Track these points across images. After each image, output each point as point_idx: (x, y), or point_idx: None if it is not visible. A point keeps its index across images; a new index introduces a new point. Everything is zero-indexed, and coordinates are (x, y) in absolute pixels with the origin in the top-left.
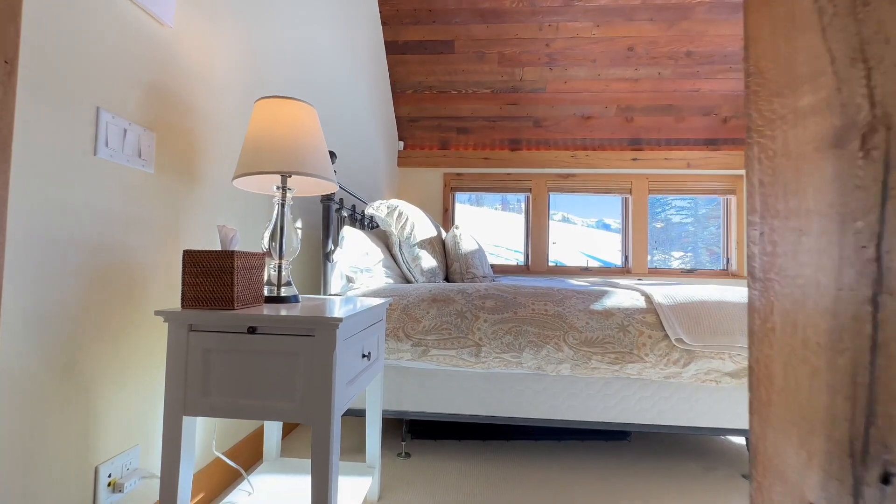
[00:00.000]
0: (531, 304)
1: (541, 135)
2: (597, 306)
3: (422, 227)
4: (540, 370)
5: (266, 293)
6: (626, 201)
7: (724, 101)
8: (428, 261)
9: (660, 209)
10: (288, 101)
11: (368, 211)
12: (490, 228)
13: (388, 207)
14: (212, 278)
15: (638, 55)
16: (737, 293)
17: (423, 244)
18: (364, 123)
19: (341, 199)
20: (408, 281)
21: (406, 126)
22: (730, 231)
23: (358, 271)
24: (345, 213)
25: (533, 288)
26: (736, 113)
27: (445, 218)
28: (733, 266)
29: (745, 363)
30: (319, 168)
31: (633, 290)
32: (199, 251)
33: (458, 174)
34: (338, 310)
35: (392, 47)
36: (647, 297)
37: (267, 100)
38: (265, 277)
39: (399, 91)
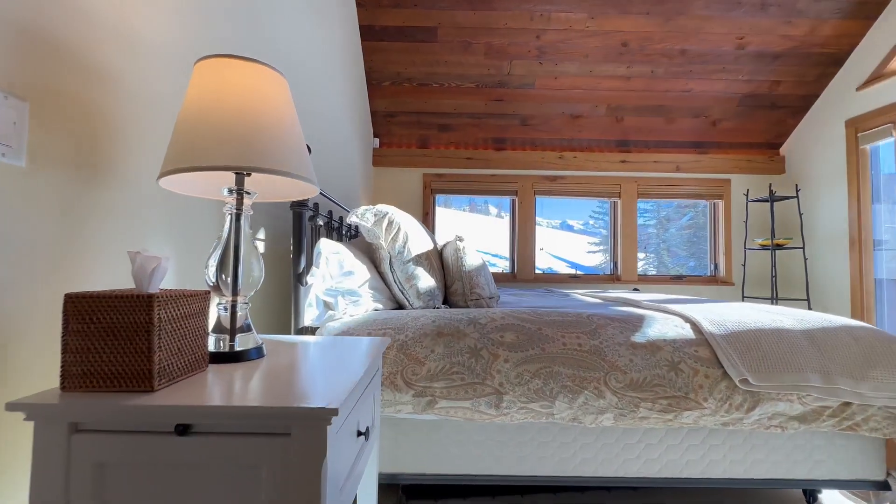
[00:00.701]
0: (560, 336)
1: (527, 134)
2: (638, 338)
3: (416, 239)
4: (576, 421)
5: (212, 346)
6: (614, 205)
7: (716, 102)
8: (426, 281)
9: (599, 217)
10: (246, 64)
11: (351, 220)
12: (464, 231)
13: (375, 215)
14: (115, 340)
15: (632, 51)
16: (788, 316)
17: (420, 260)
18: (336, 115)
19: (316, 205)
20: (401, 306)
21: (382, 121)
22: (717, 237)
23: (339, 295)
24: (320, 222)
25: (559, 315)
26: (725, 116)
27: (426, 222)
28: (721, 272)
29: (815, 405)
30: (293, 163)
31: (669, 314)
32: (91, 295)
33: (439, 175)
34: (325, 382)
35: (368, 32)
36: (694, 325)
37: (213, 60)
38: (210, 324)
39: (375, 82)
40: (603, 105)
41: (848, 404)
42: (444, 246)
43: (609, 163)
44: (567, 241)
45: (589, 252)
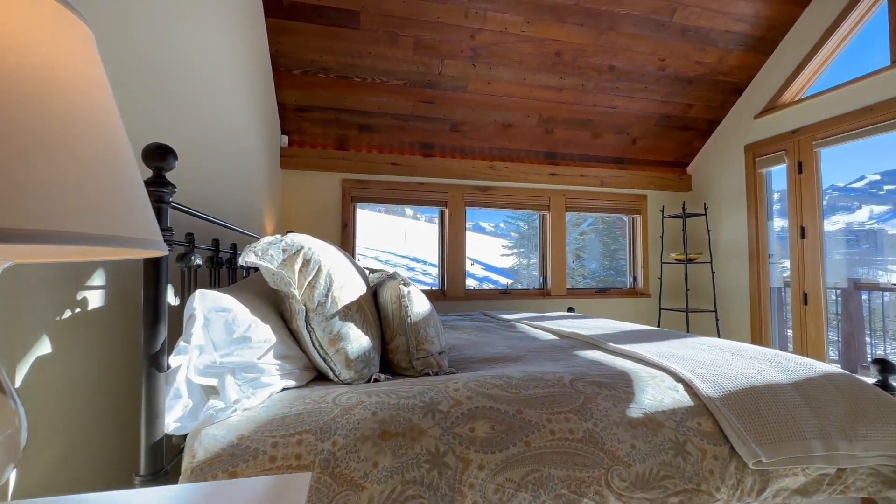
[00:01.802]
0: (546, 421)
1: (457, 140)
2: (634, 411)
3: (344, 280)
4: None
5: None
6: (543, 218)
7: (636, 120)
8: (358, 341)
9: (511, 222)
10: None
11: (247, 260)
12: (382, 234)
13: (284, 251)
14: None
15: (565, 62)
16: (766, 362)
17: (349, 312)
18: (230, 105)
19: (190, 237)
20: (324, 377)
21: (292, 116)
22: (636, 250)
23: (227, 374)
24: (197, 262)
25: (536, 381)
26: (643, 134)
27: (345, 235)
28: (640, 284)
29: (816, 474)
30: (99, 211)
31: (653, 367)
32: None
33: (361, 181)
34: None
35: (273, 8)
36: (688, 386)
37: None
38: None
39: (284, 69)
40: (535, 115)
41: (844, 468)
42: (380, 286)
43: (539, 175)
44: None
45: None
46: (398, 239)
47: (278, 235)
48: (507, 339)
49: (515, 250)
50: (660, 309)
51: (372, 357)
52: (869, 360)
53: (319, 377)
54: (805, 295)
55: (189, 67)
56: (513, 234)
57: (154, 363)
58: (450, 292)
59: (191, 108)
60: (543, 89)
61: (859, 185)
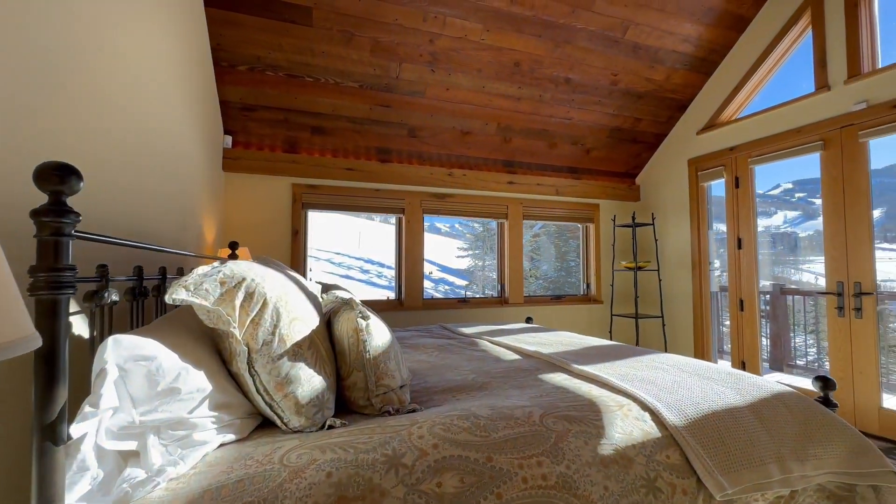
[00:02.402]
0: (518, 467)
1: (415, 146)
2: (605, 447)
3: (294, 313)
4: None
5: None
6: (501, 226)
7: (590, 132)
8: (311, 384)
9: (466, 223)
10: None
11: (177, 297)
12: (335, 236)
13: (222, 284)
14: None
15: (523, 72)
16: (720, 382)
17: (300, 350)
18: (162, 101)
19: (104, 269)
20: (269, 422)
21: (237, 115)
22: (589, 258)
23: (151, 434)
24: (113, 298)
25: (506, 419)
26: (597, 145)
27: (296, 243)
28: (592, 291)
29: (773, 497)
30: None
31: (619, 394)
32: None
33: (313, 186)
34: None
35: None
36: (655, 415)
37: None
38: None
39: (226, 64)
40: (493, 123)
41: (796, 489)
42: (334, 315)
43: (497, 183)
44: (436, 245)
45: (458, 257)
46: (353, 239)
47: (216, 264)
48: (470, 361)
49: (471, 252)
50: (611, 315)
51: (326, 399)
52: (794, 358)
53: (265, 423)
54: (741, 301)
55: (109, 57)
56: (468, 235)
57: (50, 434)
58: (407, 302)
59: (110, 107)
60: (502, 98)
61: (775, 192)
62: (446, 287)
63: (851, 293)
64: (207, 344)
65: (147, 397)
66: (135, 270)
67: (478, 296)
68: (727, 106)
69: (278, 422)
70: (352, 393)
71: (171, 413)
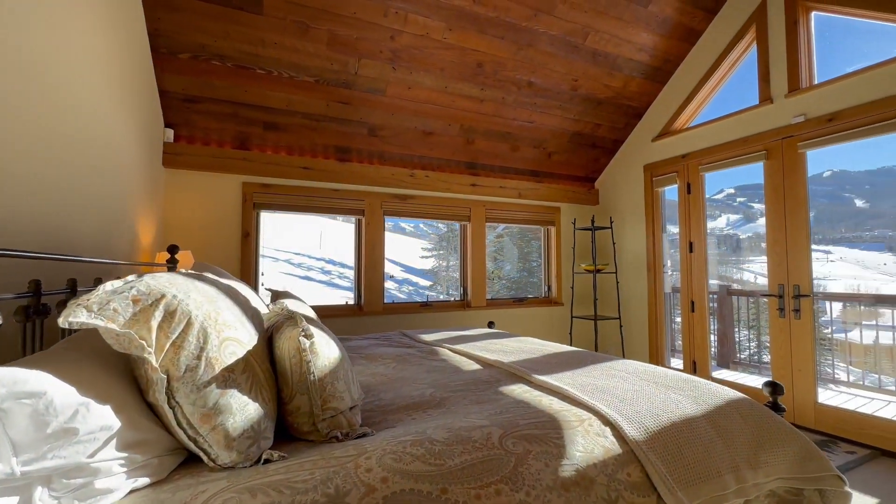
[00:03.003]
0: (475, 495)
1: (376, 146)
2: (566, 468)
3: (228, 332)
4: None
5: None
6: (464, 229)
7: (552, 136)
8: (245, 412)
9: (431, 223)
10: None
11: (76, 320)
12: (287, 235)
13: (135, 302)
14: None
15: (486, 74)
16: (677, 390)
17: (231, 376)
18: (87, 88)
19: None
20: (193, 457)
21: (179, 107)
22: (550, 260)
23: (34, 487)
24: None
25: (462, 442)
26: (558, 149)
27: (246, 246)
28: (553, 293)
29: None
30: None
31: (580, 408)
32: None
33: (266, 185)
34: None
35: None
36: (616, 430)
37: None
38: None
39: (166, 51)
40: (456, 124)
41: (750, 498)
42: (276, 331)
43: (460, 185)
44: (401, 245)
45: (422, 257)
46: (314, 239)
47: (130, 278)
48: (429, 373)
49: (435, 252)
50: (571, 317)
51: (263, 429)
52: (738, 355)
53: (191, 458)
54: (692, 303)
55: (13, 31)
56: (432, 235)
57: None
58: (367, 307)
59: (17, 97)
60: (465, 99)
61: (719, 196)
62: (410, 288)
63: (791, 295)
64: (120, 370)
65: (33, 442)
66: (31, 285)
67: (441, 297)
68: (680, 115)
69: (205, 458)
70: (295, 418)
71: (66, 459)
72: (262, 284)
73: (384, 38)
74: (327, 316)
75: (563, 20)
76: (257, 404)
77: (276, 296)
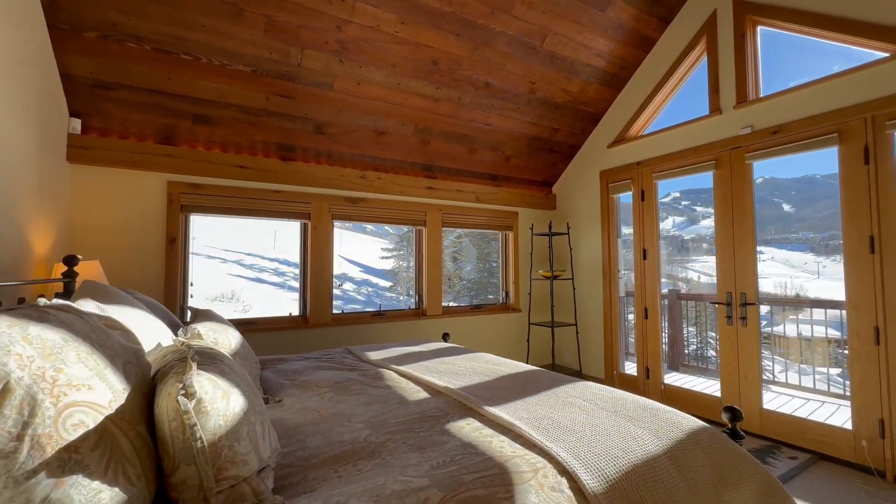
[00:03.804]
0: None
1: (323, 144)
2: None
3: (73, 398)
4: None
5: None
6: (419, 233)
7: (509, 139)
8: (92, 503)
9: None
10: None
11: None
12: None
13: None
14: None
15: (441, 72)
16: (636, 422)
17: (75, 454)
18: None
19: None
20: None
21: (88, 94)
22: (508, 266)
23: None
24: None
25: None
26: (516, 153)
27: (172, 253)
28: (511, 300)
29: None
30: None
31: (535, 452)
32: None
33: (196, 185)
34: None
35: None
36: (573, 480)
37: None
38: None
39: (68, 28)
40: (410, 124)
41: None
42: (160, 379)
43: (415, 188)
44: (359, 245)
45: (382, 258)
46: (267, 239)
47: None
48: (369, 405)
49: (396, 252)
50: (529, 324)
51: None
52: (688, 357)
53: None
54: (646, 310)
55: None
56: (393, 234)
57: None
58: (313, 319)
59: None
60: (419, 98)
61: (666, 200)
62: (369, 289)
63: (739, 303)
64: None
65: None
66: None
67: (401, 298)
68: (635, 122)
69: None
70: (181, 494)
71: None
72: (192, 296)
73: (330, 28)
74: (268, 330)
75: (521, 20)
76: (117, 489)
77: (195, 316)
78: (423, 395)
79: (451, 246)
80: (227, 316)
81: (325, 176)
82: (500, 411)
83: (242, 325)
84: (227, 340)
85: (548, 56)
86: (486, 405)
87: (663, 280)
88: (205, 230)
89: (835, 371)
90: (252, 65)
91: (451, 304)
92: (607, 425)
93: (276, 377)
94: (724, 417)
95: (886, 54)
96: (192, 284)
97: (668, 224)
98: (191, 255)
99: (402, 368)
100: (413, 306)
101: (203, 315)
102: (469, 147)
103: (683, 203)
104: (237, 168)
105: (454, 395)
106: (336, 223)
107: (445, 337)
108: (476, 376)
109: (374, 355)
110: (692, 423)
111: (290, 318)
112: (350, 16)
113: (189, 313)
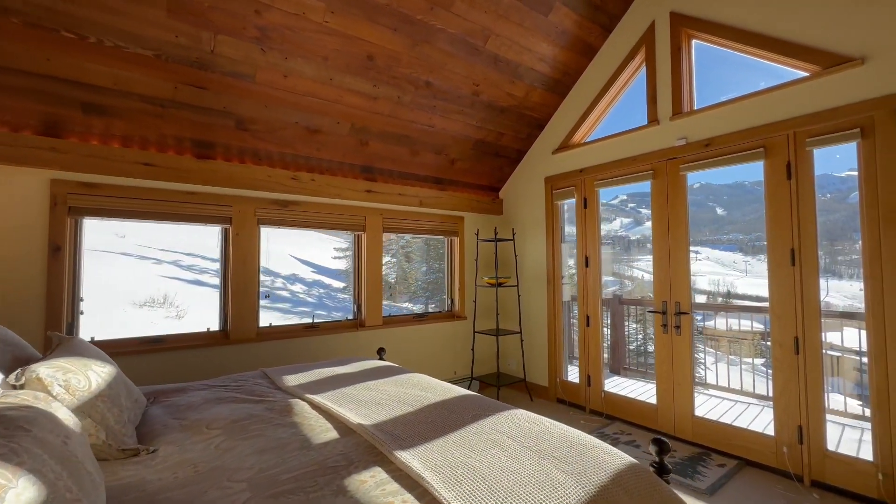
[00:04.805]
0: None
1: (247, 142)
2: None
3: None
4: None
5: None
6: (358, 239)
7: (454, 142)
8: None
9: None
10: None
11: None
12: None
13: None
14: None
15: (378, 68)
16: (563, 459)
17: None
18: None
19: None
20: None
21: None
22: (453, 272)
23: None
24: None
25: None
26: (461, 156)
27: (56, 266)
28: (457, 307)
29: None
30: None
31: None
32: None
33: (88, 185)
34: None
35: None
36: None
37: None
38: None
39: None
40: (346, 123)
41: None
42: None
43: (353, 191)
44: (311, 244)
45: (335, 258)
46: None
47: None
48: (262, 454)
49: (349, 253)
50: (474, 332)
51: None
52: (628, 360)
53: None
54: (588, 318)
55: None
56: (346, 234)
57: None
58: (235, 334)
59: None
60: (355, 95)
61: (614, 202)
62: (321, 290)
63: (673, 312)
64: None
65: None
66: None
67: (338, 308)
68: (578, 129)
69: None
70: None
71: None
72: (82, 313)
73: (247, 13)
74: (183, 348)
75: (462, 18)
76: None
77: (56, 347)
78: (332, 434)
79: (407, 245)
80: (158, 322)
81: (249, 176)
82: (412, 457)
83: (147, 345)
84: (84, 382)
85: (491, 58)
86: (398, 449)
87: (611, 278)
88: (138, 230)
89: (759, 361)
90: (154, 49)
91: (406, 304)
92: (529, 470)
93: (163, 415)
94: (652, 450)
95: (808, 73)
96: (82, 300)
97: (615, 225)
98: (83, 265)
99: (318, 399)
100: (351, 317)
101: (64, 347)
102: (411, 149)
103: (630, 205)
104: (142, 166)
105: (366, 436)
106: (263, 228)
107: (380, 352)
108: (399, 406)
109: (293, 379)
110: (618, 461)
111: (209, 335)
112: (271, 0)
113: (54, 341)
